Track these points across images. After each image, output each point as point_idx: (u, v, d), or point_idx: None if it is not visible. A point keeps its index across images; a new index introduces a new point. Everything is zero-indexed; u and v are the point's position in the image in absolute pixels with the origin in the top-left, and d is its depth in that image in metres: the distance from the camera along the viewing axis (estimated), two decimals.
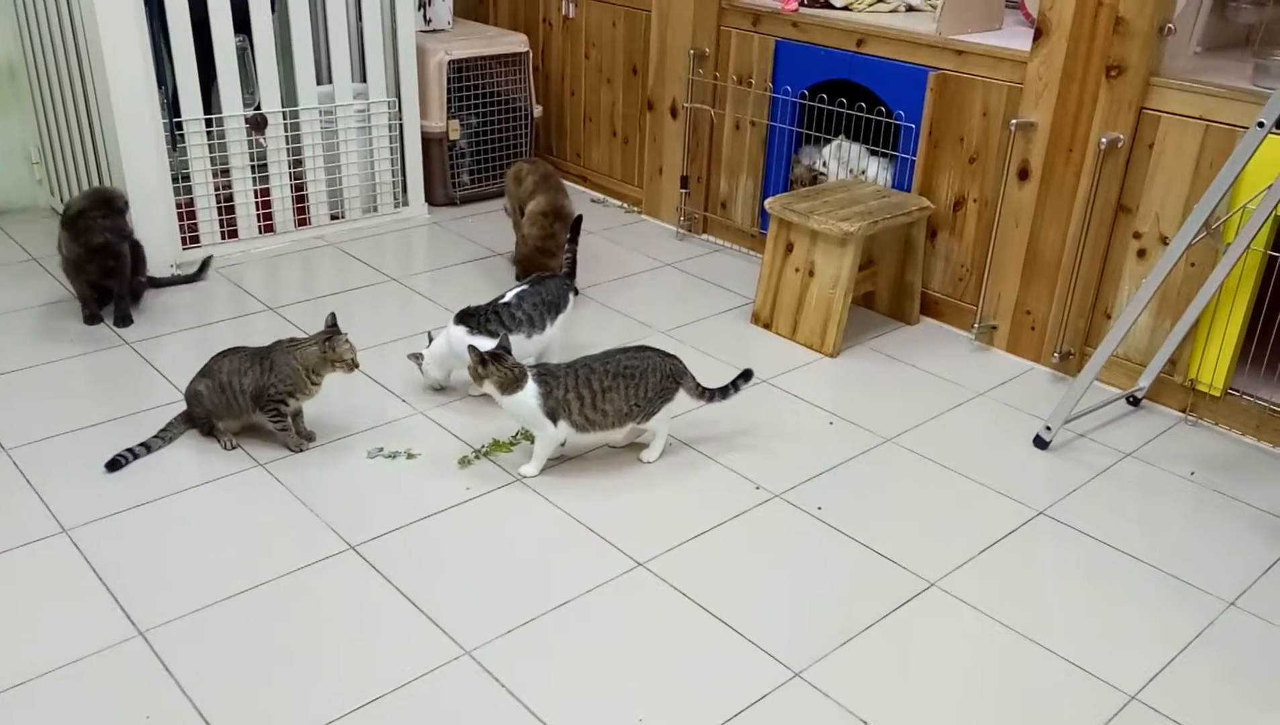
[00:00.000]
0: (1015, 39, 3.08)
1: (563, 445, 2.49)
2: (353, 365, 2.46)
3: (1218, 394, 2.74)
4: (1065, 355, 2.99)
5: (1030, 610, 2.08)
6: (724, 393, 2.55)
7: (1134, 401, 2.87)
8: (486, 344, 2.63)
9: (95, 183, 3.48)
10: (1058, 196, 2.93)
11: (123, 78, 3.20)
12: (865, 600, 2.09)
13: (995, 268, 3.12)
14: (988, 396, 2.92)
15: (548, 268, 3.30)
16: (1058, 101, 2.87)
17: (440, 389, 2.80)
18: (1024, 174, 2.99)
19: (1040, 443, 2.65)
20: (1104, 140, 2.76)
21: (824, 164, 3.52)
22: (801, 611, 2.05)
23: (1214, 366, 2.72)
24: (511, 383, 2.34)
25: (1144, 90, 2.71)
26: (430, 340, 2.78)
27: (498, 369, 2.35)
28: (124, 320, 3.08)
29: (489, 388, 2.36)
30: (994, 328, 3.17)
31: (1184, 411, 2.83)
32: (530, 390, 2.35)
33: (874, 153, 3.43)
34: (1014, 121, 2.93)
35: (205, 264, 3.44)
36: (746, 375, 2.57)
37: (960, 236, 3.24)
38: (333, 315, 2.48)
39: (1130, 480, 2.54)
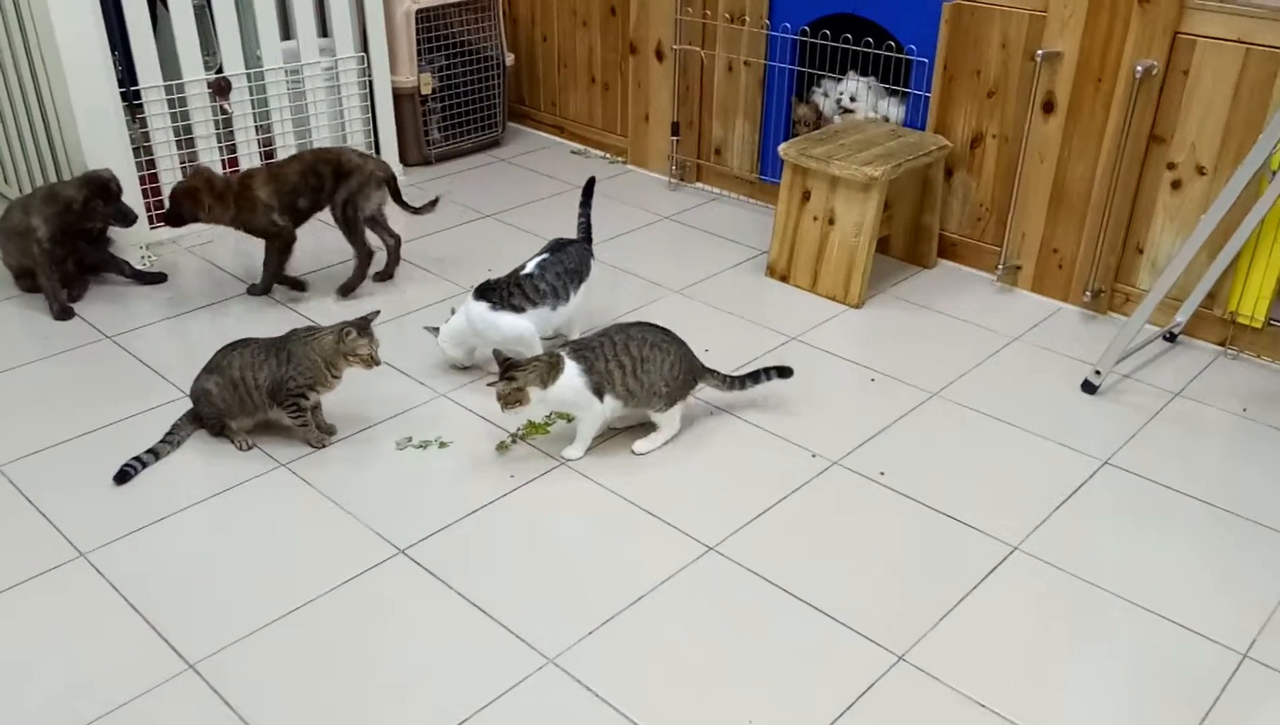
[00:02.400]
0: None
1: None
2: (370, 361, 2.26)
3: (1259, 326, 2.69)
4: (1096, 293, 2.92)
5: (1121, 569, 2.01)
6: (754, 379, 2.43)
7: (1171, 337, 2.81)
8: (509, 318, 2.47)
9: (48, 161, 3.19)
10: (1086, 129, 2.83)
11: (75, 42, 2.91)
12: (952, 571, 2.00)
13: (1019, 206, 3.02)
14: (1022, 341, 2.83)
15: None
16: (1085, 29, 2.75)
17: (464, 368, 2.62)
18: (1049, 107, 2.88)
19: (1089, 387, 2.58)
20: (1139, 68, 2.65)
21: (850, 98, 3.34)
22: (889, 588, 1.96)
23: (1255, 298, 2.66)
24: (550, 370, 2.17)
25: (1179, 14, 2.60)
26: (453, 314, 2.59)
27: (531, 367, 2.17)
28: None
29: (534, 393, 2.17)
30: (1018, 268, 3.08)
31: (1223, 345, 2.77)
32: (572, 370, 2.19)
33: (889, 91, 3.29)
34: (1040, 52, 2.81)
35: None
36: (784, 372, 2.45)
37: (979, 175, 3.12)
38: (374, 314, 2.29)
39: (1186, 421, 2.48)
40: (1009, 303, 3.04)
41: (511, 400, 2.16)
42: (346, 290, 2.98)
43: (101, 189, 2.80)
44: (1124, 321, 2.67)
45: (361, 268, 2.98)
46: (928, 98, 3.12)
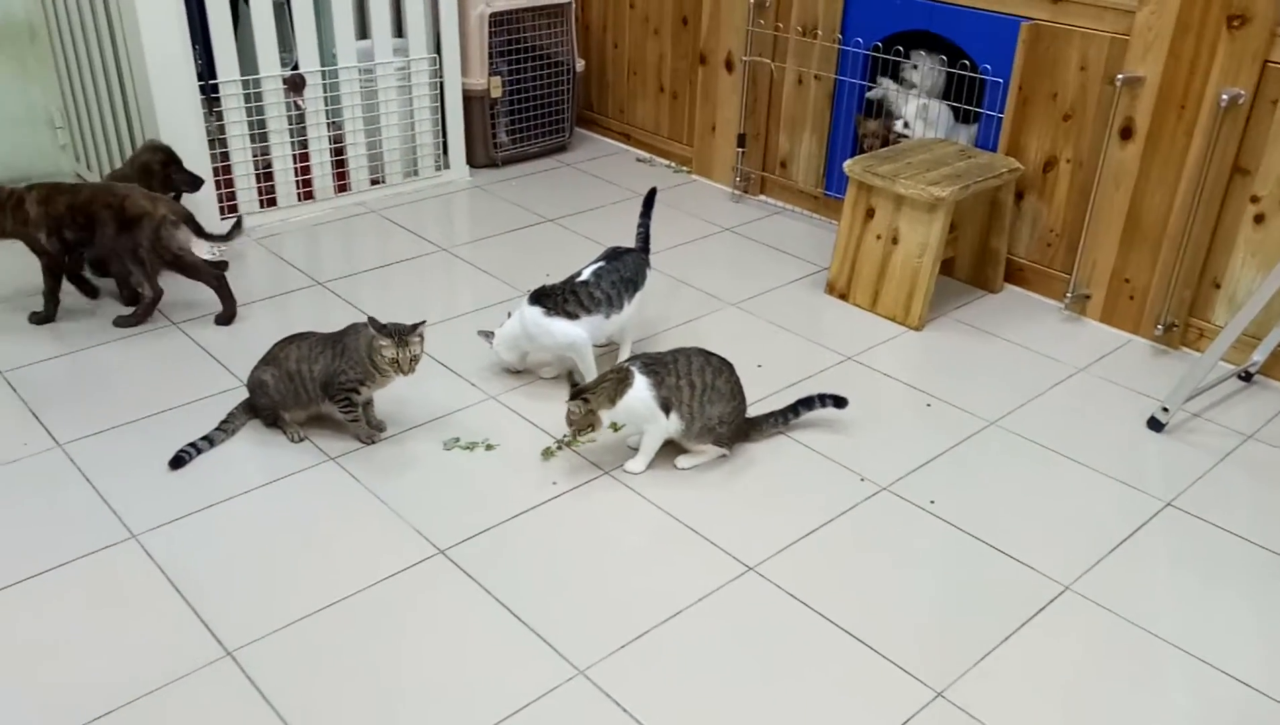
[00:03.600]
0: None
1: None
2: (396, 367, 2.22)
3: None
4: (1169, 327, 2.82)
5: (1177, 617, 1.93)
6: (807, 406, 2.42)
7: (1246, 377, 2.71)
8: (562, 324, 2.46)
9: (128, 149, 3.28)
10: (1166, 157, 2.74)
11: (158, 35, 2.99)
12: (998, 607, 1.94)
13: (1091, 233, 2.94)
14: (1088, 372, 2.75)
15: None
16: (1169, 54, 2.66)
17: (517, 372, 2.63)
18: (1127, 133, 2.79)
19: (1155, 424, 2.49)
20: (1225, 96, 2.56)
21: (904, 125, 3.31)
22: (931, 620, 1.91)
23: None
24: (618, 385, 2.17)
25: (1270, 41, 2.51)
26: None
27: (600, 388, 2.17)
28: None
29: (604, 415, 2.17)
30: (1088, 297, 2.99)
31: None
32: (641, 383, 2.18)
33: (957, 111, 3.23)
34: (1120, 76, 2.73)
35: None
36: (839, 402, 2.44)
37: (1050, 200, 3.05)
38: (421, 323, 2.26)
39: (1257, 466, 2.38)
40: (1076, 332, 2.95)
41: (584, 423, 2.16)
42: (125, 322, 2.79)
43: (167, 154, 2.99)
44: (1196, 357, 2.58)
45: (149, 306, 2.79)
46: (1000, 119, 3.05)
